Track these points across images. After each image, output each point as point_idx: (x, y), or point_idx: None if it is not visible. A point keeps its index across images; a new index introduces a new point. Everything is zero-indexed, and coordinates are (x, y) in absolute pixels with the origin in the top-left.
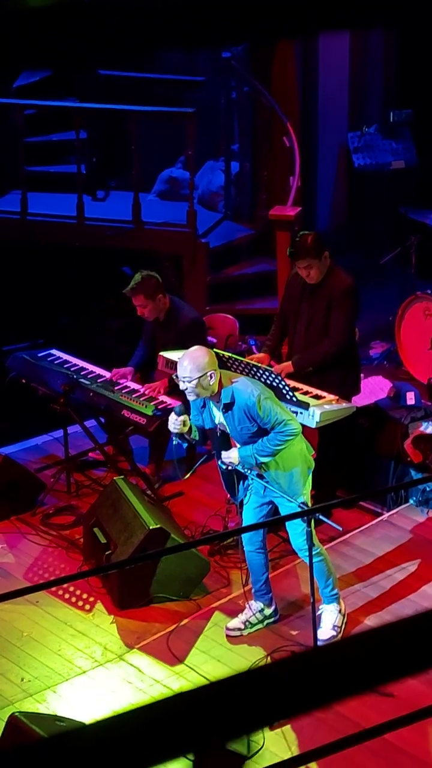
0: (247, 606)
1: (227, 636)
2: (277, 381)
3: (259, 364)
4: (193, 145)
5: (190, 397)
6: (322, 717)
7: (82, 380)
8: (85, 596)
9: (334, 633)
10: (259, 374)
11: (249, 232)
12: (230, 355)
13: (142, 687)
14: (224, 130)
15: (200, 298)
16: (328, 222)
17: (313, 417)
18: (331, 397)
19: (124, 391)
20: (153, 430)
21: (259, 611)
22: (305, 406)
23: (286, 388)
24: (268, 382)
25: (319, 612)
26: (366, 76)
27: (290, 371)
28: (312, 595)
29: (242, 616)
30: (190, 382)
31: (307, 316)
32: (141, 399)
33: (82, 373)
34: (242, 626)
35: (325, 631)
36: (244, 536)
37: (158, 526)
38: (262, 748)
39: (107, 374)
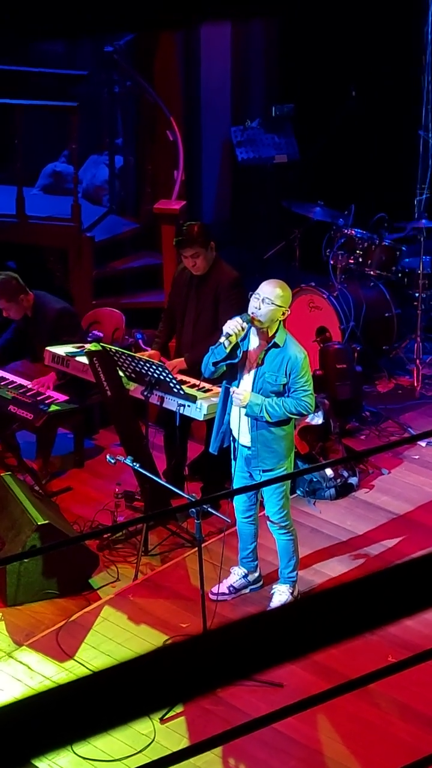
0: (231, 572)
1: (210, 599)
2: (164, 374)
3: (148, 359)
4: (77, 139)
5: (247, 322)
6: (213, 709)
7: None
8: None
9: None
10: (146, 369)
11: (134, 226)
12: (117, 349)
13: (32, 684)
14: (107, 125)
15: (86, 292)
16: (212, 216)
17: (201, 410)
18: (219, 390)
19: (10, 387)
20: (40, 425)
21: (243, 576)
22: (193, 399)
23: (174, 381)
24: (156, 375)
25: (271, 592)
26: (248, 70)
27: (183, 368)
28: (202, 588)
29: (227, 581)
30: (265, 302)
31: (195, 311)
32: (27, 394)
33: None
34: (227, 591)
35: None
36: (238, 507)
37: (46, 522)
38: (153, 741)
39: None
